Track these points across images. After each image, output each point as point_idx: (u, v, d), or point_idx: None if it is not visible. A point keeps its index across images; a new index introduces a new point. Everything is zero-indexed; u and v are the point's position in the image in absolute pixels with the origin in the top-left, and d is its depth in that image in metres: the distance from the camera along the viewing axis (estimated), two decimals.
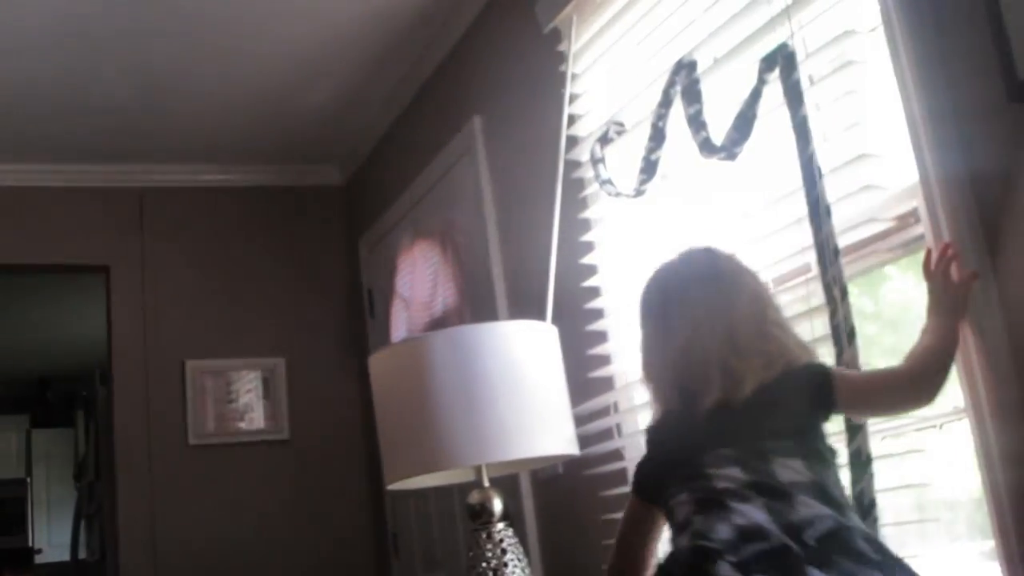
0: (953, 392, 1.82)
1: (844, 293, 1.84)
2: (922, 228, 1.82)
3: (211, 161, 4.40)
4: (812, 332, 2.00)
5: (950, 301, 1.70)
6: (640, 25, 2.49)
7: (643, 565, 1.87)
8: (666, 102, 2.28)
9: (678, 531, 1.64)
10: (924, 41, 1.76)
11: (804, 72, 1.98)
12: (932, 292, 1.72)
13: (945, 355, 1.69)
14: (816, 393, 1.69)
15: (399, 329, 3.98)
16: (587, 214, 2.71)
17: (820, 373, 1.72)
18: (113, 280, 4.27)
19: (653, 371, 1.82)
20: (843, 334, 1.84)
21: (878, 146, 1.99)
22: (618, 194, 2.46)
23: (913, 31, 1.78)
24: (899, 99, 1.81)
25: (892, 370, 1.73)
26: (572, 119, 2.76)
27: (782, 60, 1.98)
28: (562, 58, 2.78)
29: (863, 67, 1.92)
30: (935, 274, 1.72)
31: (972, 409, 1.71)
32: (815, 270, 1.92)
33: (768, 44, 2.06)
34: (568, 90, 2.72)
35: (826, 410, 1.71)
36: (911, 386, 1.69)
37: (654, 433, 1.83)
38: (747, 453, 1.62)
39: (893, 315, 2.13)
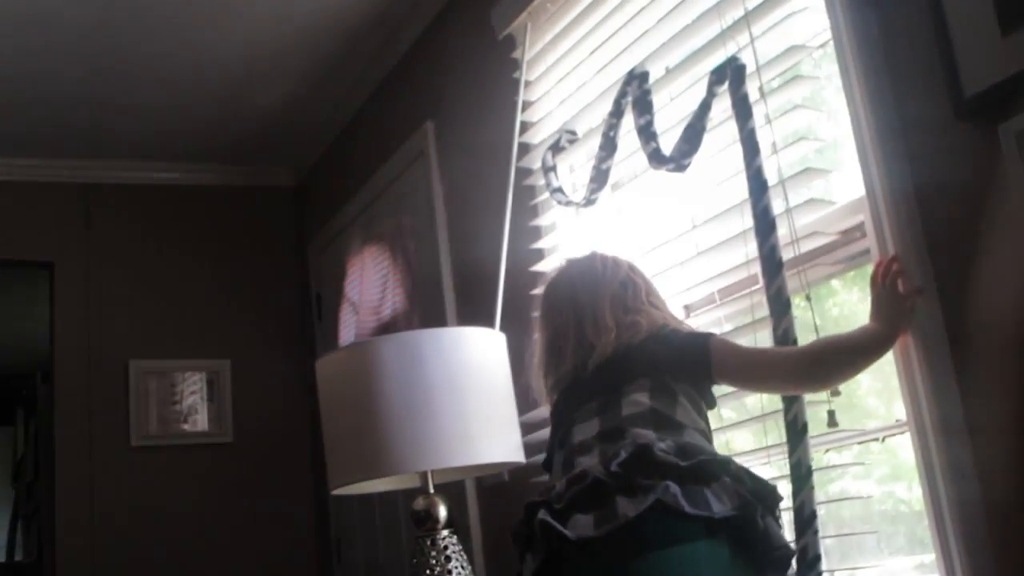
0: (896, 406, 1.84)
1: (787, 306, 1.84)
2: (868, 242, 1.83)
3: (160, 159, 4.33)
4: (755, 343, 2.00)
5: (891, 312, 1.71)
6: (594, 34, 2.49)
7: None
8: (617, 112, 2.29)
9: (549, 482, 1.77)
10: (873, 57, 1.77)
11: (754, 85, 1.98)
12: (875, 301, 1.73)
13: (861, 351, 1.70)
14: (690, 352, 1.79)
15: (347, 333, 3.95)
16: (538, 221, 2.71)
17: (698, 335, 1.84)
18: (57, 277, 4.18)
19: (542, 366, 1.98)
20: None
21: (826, 160, 2.00)
22: (568, 203, 2.45)
23: (862, 47, 1.79)
24: (847, 114, 1.82)
25: (785, 349, 1.80)
26: (524, 126, 2.75)
27: (732, 73, 1.98)
28: (516, 65, 2.77)
29: (813, 81, 1.93)
30: (881, 284, 1.73)
31: (914, 422, 1.72)
32: (761, 282, 1.92)
33: (719, 57, 2.07)
34: (521, 97, 2.72)
35: (701, 368, 1.77)
36: (801, 366, 1.72)
37: (552, 415, 1.94)
38: (607, 399, 1.76)
39: (836, 328, 2.14)
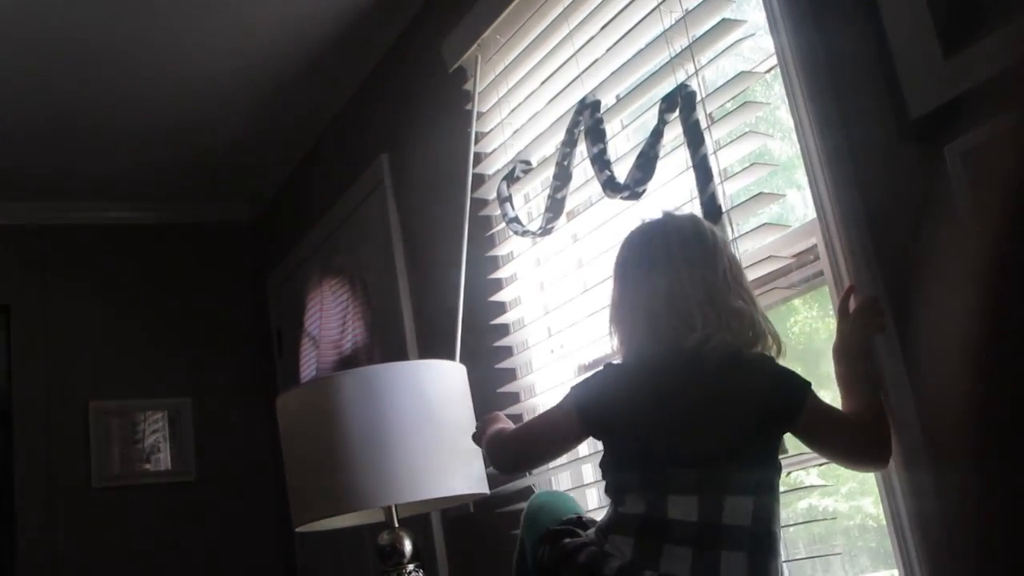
0: None
1: None
2: (821, 265, 1.83)
3: (115, 199, 4.28)
4: None
5: (857, 344, 1.67)
6: (544, 65, 2.49)
7: (540, 463, 1.97)
8: (570, 141, 2.29)
9: (617, 521, 1.59)
10: (819, 81, 1.77)
11: (704, 111, 1.98)
12: (840, 333, 1.69)
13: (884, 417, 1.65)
14: (784, 399, 1.60)
15: (308, 368, 3.91)
16: (495, 251, 2.69)
17: (798, 382, 1.63)
18: (13, 319, 4.11)
19: (628, 316, 1.69)
20: None
21: (782, 182, 2.01)
22: (525, 232, 2.44)
23: (808, 72, 1.78)
24: (796, 138, 1.82)
25: (859, 415, 1.65)
26: (479, 157, 2.75)
27: (682, 100, 1.98)
28: (468, 97, 2.77)
29: (762, 106, 1.94)
30: (844, 312, 1.69)
31: None
32: None
33: (669, 84, 2.07)
34: (474, 128, 2.71)
35: (786, 423, 1.61)
36: (872, 436, 1.63)
37: (617, 370, 1.68)
38: (708, 479, 1.56)
39: (799, 347, 2.15)
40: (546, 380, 2.53)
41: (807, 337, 2.11)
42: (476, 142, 2.74)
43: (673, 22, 2.06)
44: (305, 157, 4.02)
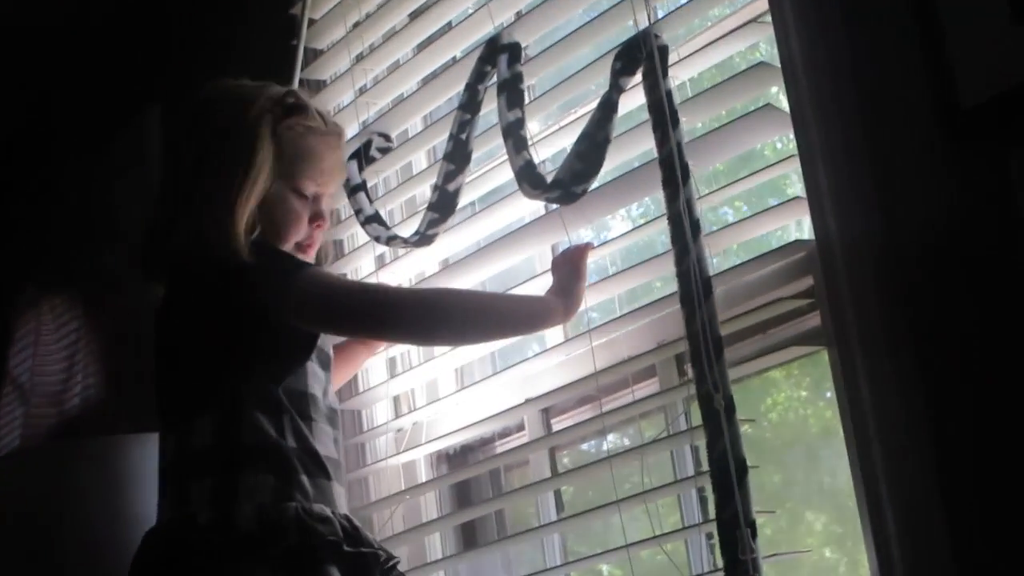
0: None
1: (729, 409, 1.80)
2: (818, 318, 1.85)
3: None
4: (678, 471, 2.08)
5: (566, 279, 2.04)
6: None
7: None
8: (471, 103, 2.24)
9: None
10: (830, 57, 1.80)
11: (679, 76, 1.97)
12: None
13: (511, 308, 2.05)
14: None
15: (9, 434, 3.72)
16: (336, 267, 2.63)
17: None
18: None
19: None
20: (729, 473, 1.78)
21: (778, 191, 1.99)
22: (391, 239, 2.37)
23: (810, 41, 1.82)
24: (793, 138, 1.85)
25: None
26: None
27: (648, 57, 1.94)
28: (294, 25, 2.74)
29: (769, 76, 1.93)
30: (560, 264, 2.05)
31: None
32: (688, 374, 1.90)
33: (627, 32, 2.04)
34: (297, 75, 2.68)
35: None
36: (407, 306, 2.01)
37: None
38: None
39: (775, 441, 2.13)
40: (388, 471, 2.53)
41: (791, 428, 2.10)
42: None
43: None
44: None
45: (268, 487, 1.87)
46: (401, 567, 2.05)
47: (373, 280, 2.49)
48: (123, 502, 2.38)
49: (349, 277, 2.64)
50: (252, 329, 1.96)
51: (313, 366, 2.00)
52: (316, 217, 2.09)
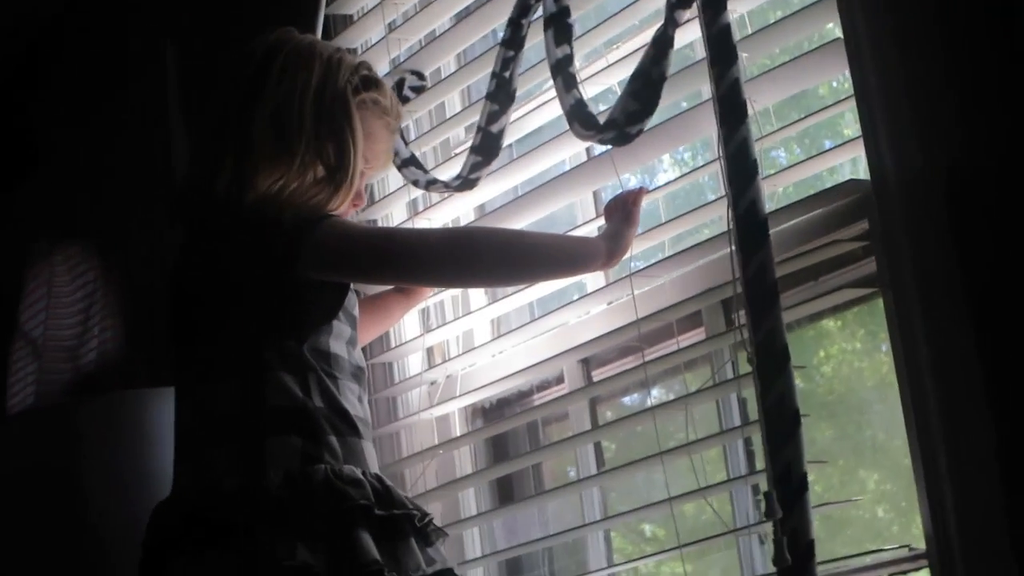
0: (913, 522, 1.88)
1: (783, 357, 1.80)
2: (873, 264, 1.85)
3: None
4: (724, 423, 2.10)
5: (619, 225, 2.05)
6: None
7: None
8: (515, 39, 2.23)
9: None
10: None
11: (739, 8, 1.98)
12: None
13: (554, 248, 2.06)
14: None
15: (24, 389, 3.77)
16: (367, 215, 2.64)
17: None
18: None
19: None
20: (779, 424, 1.79)
21: (834, 133, 2.00)
22: (431, 183, 2.38)
23: None
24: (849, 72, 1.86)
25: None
26: None
27: None
28: None
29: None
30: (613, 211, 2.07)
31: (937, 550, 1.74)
32: (737, 321, 1.89)
33: None
34: (322, 9, 2.64)
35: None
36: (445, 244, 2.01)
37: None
38: None
39: (828, 397, 2.13)
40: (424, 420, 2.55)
41: (844, 382, 2.11)
42: (332, 33, 2.72)
43: None
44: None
45: (296, 450, 1.87)
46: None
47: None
48: (143, 458, 2.40)
49: (380, 225, 2.66)
50: (275, 285, 1.95)
51: (339, 324, 1.99)
52: (356, 196, 2.08)
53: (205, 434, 1.94)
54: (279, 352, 1.93)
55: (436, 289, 2.40)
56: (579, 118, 2.10)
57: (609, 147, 2.11)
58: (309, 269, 1.94)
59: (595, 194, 2.37)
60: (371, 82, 2.09)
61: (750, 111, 1.90)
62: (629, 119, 2.02)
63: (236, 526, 1.82)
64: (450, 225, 2.54)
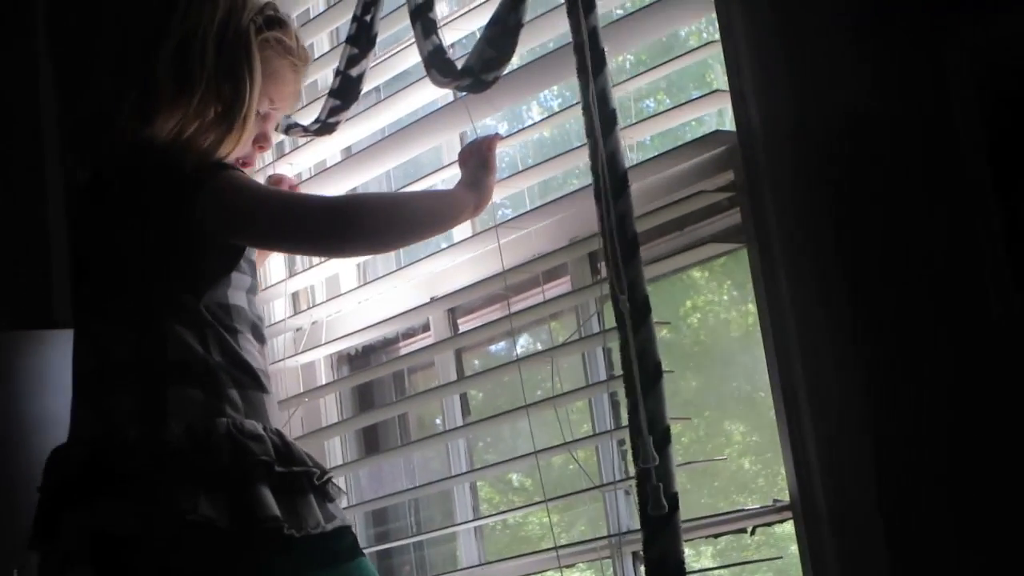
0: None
1: (644, 310, 1.79)
2: (738, 215, 1.86)
3: None
4: (590, 375, 2.10)
5: (475, 170, 2.05)
6: None
7: None
8: None
9: None
10: None
11: None
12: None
13: (426, 207, 2.04)
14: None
15: None
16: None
17: None
18: None
19: None
20: (641, 377, 1.78)
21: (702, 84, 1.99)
22: (290, 128, 2.34)
23: None
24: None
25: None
26: None
27: None
28: None
29: None
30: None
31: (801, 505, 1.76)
32: (602, 273, 1.90)
33: None
34: None
35: None
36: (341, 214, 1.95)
37: None
38: None
39: (695, 348, 2.14)
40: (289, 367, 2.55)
41: (710, 332, 2.12)
42: None
43: None
44: None
45: (197, 402, 1.85)
46: None
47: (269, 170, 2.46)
48: (39, 401, 2.42)
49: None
50: (171, 236, 1.91)
51: (238, 275, 1.96)
52: (261, 138, 2.06)
53: (105, 380, 1.91)
54: (177, 306, 1.90)
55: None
56: (436, 65, 2.10)
57: (464, 93, 2.10)
58: (201, 222, 1.90)
59: (461, 136, 2.34)
60: (275, 21, 2.04)
61: (611, 62, 1.89)
62: (485, 66, 2.02)
63: (136, 475, 1.80)
64: (313, 170, 2.50)
